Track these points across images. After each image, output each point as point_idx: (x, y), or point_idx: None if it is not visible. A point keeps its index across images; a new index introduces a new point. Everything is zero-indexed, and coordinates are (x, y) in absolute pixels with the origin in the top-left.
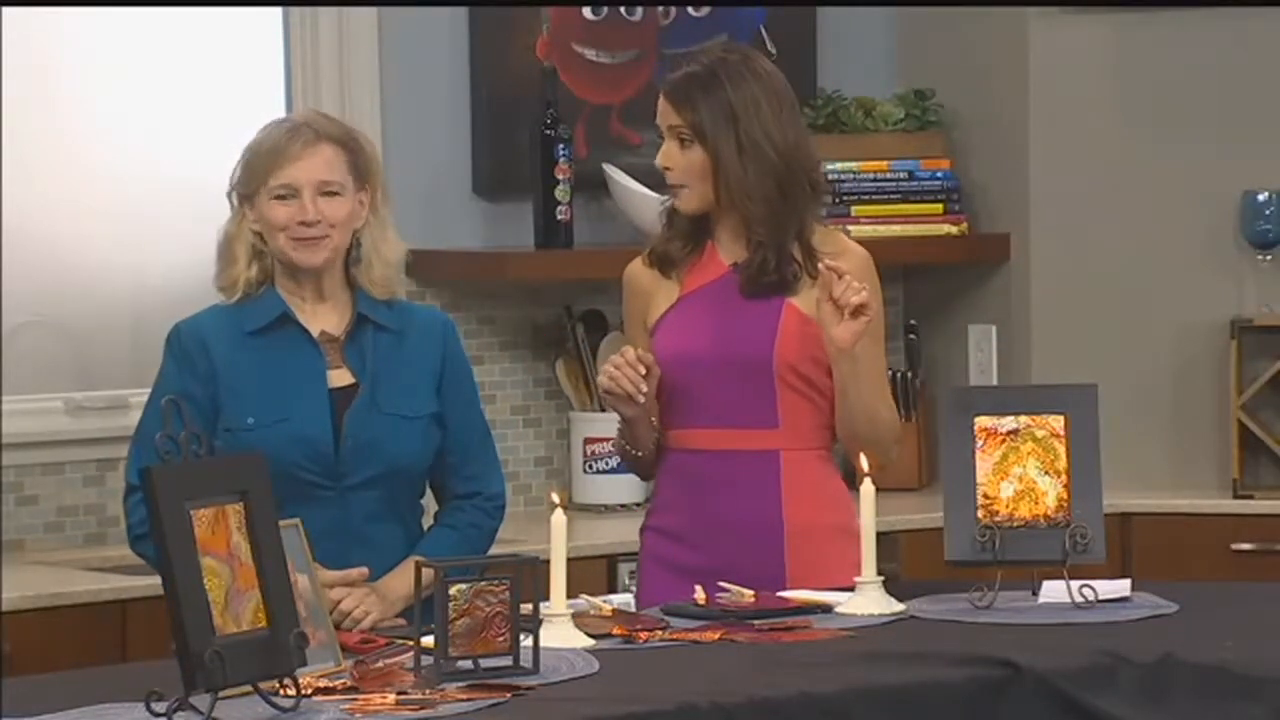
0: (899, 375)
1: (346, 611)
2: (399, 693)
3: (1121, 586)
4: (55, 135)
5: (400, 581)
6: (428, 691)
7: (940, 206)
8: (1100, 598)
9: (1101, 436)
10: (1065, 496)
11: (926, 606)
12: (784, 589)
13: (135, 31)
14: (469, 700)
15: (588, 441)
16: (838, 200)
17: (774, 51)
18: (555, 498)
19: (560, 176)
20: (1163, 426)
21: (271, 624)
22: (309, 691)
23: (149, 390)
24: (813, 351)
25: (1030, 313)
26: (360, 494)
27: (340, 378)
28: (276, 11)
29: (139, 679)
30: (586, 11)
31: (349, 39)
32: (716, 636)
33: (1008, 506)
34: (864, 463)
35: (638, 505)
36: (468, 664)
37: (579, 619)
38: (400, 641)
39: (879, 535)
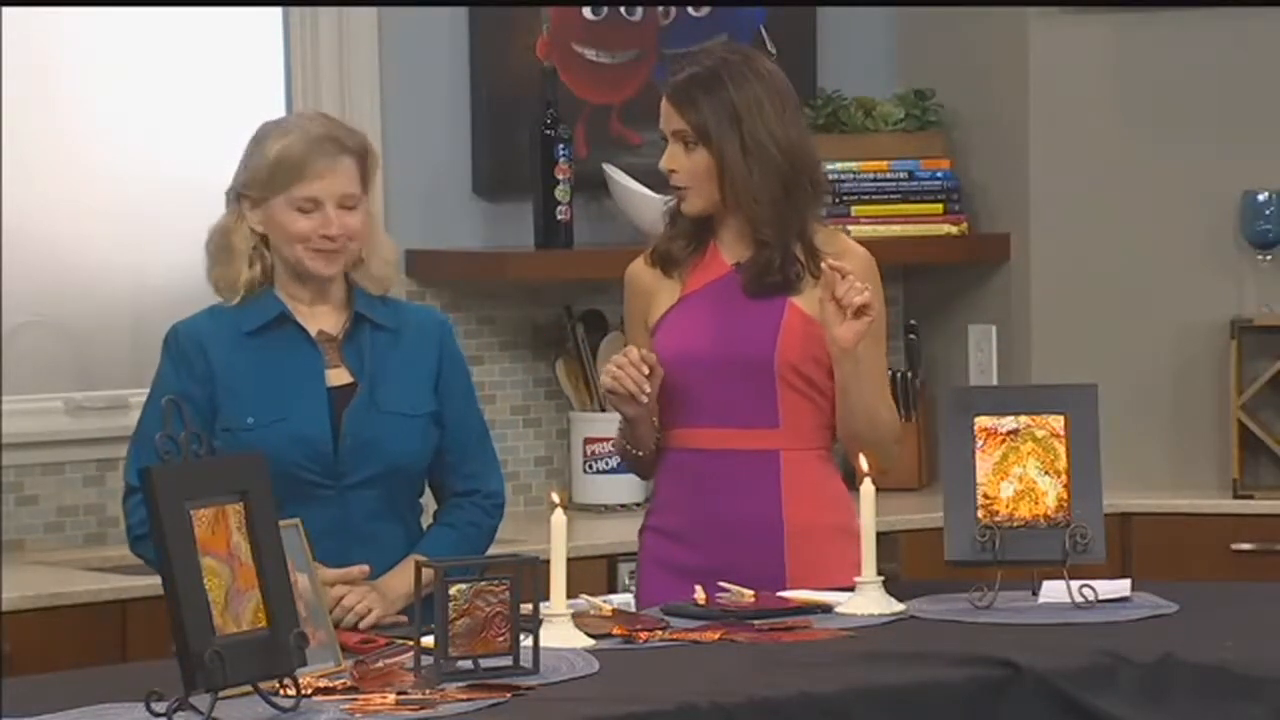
0: (899, 375)
1: (349, 607)
2: (399, 693)
3: (1121, 586)
4: (55, 135)
5: (400, 580)
6: (428, 691)
7: (940, 206)
8: (1100, 598)
9: (1101, 436)
10: (1065, 496)
11: (926, 606)
12: (784, 589)
13: (135, 31)
14: (469, 700)
15: (588, 441)
16: (838, 200)
17: (774, 51)
18: (555, 498)
19: (560, 176)
20: (1163, 426)
21: (271, 624)
22: (309, 691)
23: (148, 390)
24: (814, 351)
25: (1030, 313)
26: (360, 493)
27: (338, 377)
28: (276, 11)
29: (139, 679)
30: (586, 11)
31: (349, 39)
32: (716, 636)
33: (1008, 506)
34: (864, 463)
35: (638, 505)
36: (468, 664)
37: (579, 619)
38: (400, 641)
39: (879, 535)
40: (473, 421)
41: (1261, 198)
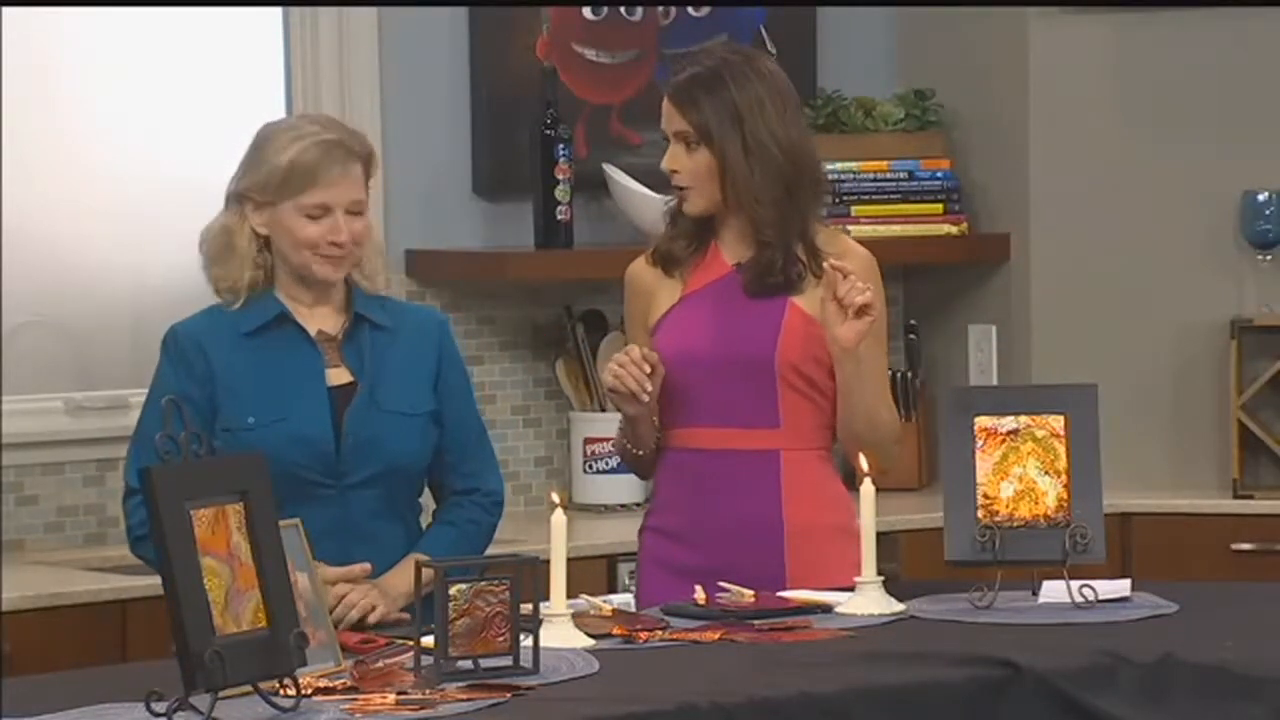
0: (899, 375)
1: (353, 604)
2: (399, 693)
3: (1121, 586)
4: (55, 135)
5: (402, 578)
6: (428, 691)
7: (940, 206)
8: (1100, 598)
9: (1101, 436)
10: (1065, 496)
11: (926, 606)
12: (784, 589)
13: (135, 31)
14: (469, 700)
15: (588, 441)
16: (838, 200)
17: (774, 51)
18: (555, 498)
19: (560, 176)
20: (1163, 426)
21: (271, 624)
22: (309, 691)
23: (148, 391)
24: (815, 352)
25: (1030, 313)
26: (361, 492)
27: (338, 376)
28: (276, 11)
29: (139, 679)
30: (586, 11)
31: (349, 39)
32: (716, 636)
33: (1008, 506)
34: (864, 463)
35: (638, 505)
36: (468, 664)
37: (579, 619)
38: (400, 641)
39: (879, 535)
40: (471, 420)
41: (1261, 198)
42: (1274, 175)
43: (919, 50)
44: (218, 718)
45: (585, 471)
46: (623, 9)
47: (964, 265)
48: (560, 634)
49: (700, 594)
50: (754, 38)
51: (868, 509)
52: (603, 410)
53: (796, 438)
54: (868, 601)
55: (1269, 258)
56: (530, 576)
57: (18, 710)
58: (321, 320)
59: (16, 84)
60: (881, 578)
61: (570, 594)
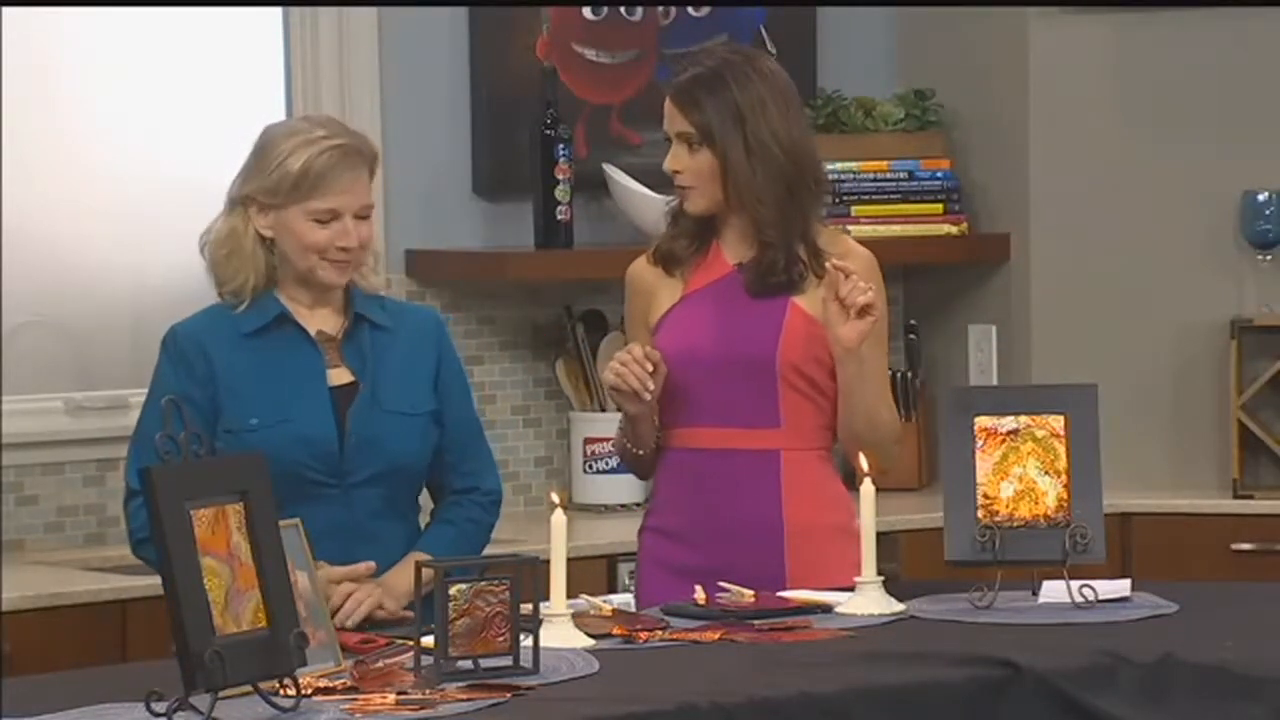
0: (899, 375)
1: (360, 601)
2: (399, 693)
3: (1121, 586)
4: (55, 135)
5: (404, 577)
6: (428, 691)
7: (940, 206)
8: (1100, 598)
9: (1101, 436)
10: (1065, 496)
11: (926, 606)
12: (784, 589)
13: (135, 31)
14: (469, 700)
15: (588, 441)
16: (838, 200)
17: (774, 51)
18: (555, 498)
19: (560, 176)
20: (1163, 426)
21: (271, 624)
22: (309, 691)
23: (147, 392)
24: (816, 352)
25: (1030, 313)
26: (364, 492)
27: (339, 377)
28: (276, 11)
29: (139, 679)
30: (586, 11)
31: (349, 39)
32: (716, 636)
33: (1008, 506)
34: (864, 463)
35: (638, 505)
36: (468, 664)
37: (579, 619)
38: (400, 641)
39: (879, 535)
40: (470, 420)
41: (1261, 198)
42: (1274, 175)
43: (919, 50)
44: (218, 718)
45: (585, 471)
46: (623, 9)
47: (964, 265)
48: (560, 634)
49: (700, 594)
50: (754, 38)
51: (868, 509)
52: (603, 410)
53: (797, 438)
54: (868, 601)
55: (1269, 258)
56: (530, 576)
57: (18, 710)
58: (321, 321)
59: (16, 84)
60: (881, 578)
61: (570, 594)
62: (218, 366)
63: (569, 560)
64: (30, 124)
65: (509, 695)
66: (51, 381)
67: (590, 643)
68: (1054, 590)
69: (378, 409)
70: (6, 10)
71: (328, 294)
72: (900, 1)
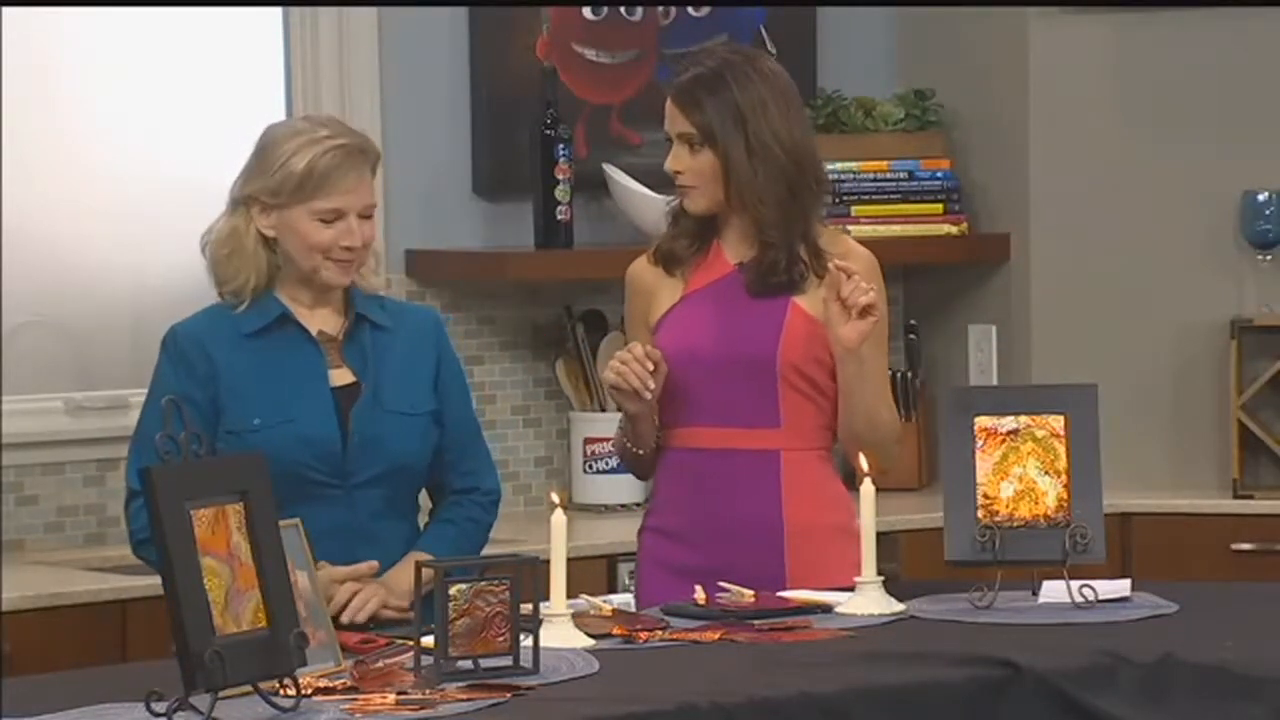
0: (899, 375)
1: (367, 599)
2: (399, 693)
3: (1121, 586)
4: (55, 135)
5: (406, 576)
6: (428, 691)
7: (940, 206)
8: (1100, 598)
9: (1101, 436)
10: (1065, 496)
11: (926, 606)
12: (784, 589)
13: (135, 31)
14: (469, 700)
15: (588, 441)
16: (838, 200)
17: (774, 51)
18: (555, 498)
19: (560, 176)
20: (1163, 426)
21: (271, 624)
22: (309, 691)
23: (147, 392)
24: (817, 352)
25: (1030, 313)
26: (366, 492)
27: (340, 377)
28: (276, 11)
29: (139, 679)
30: (586, 11)
31: (349, 39)
32: (716, 636)
33: (1008, 506)
34: (864, 463)
35: (638, 505)
36: (468, 664)
37: (579, 619)
38: (400, 641)
39: (879, 535)
40: (469, 420)
41: (1261, 198)
42: (1274, 175)
43: (919, 50)
44: (218, 718)
45: (585, 471)
46: (623, 9)
47: (964, 265)
48: (560, 634)
49: (700, 594)
50: (754, 38)
51: (868, 509)
52: (603, 410)
53: (797, 438)
54: (868, 601)
55: (1269, 258)
56: (530, 576)
57: (18, 710)
58: (322, 321)
59: (16, 84)
60: (881, 578)
61: (570, 594)
62: (219, 366)
63: (569, 560)
64: (30, 124)
65: (509, 695)
66: (51, 381)
67: (590, 643)
68: (1054, 590)
69: (379, 409)
70: (6, 10)
71: (328, 294)
72: (900, 1)
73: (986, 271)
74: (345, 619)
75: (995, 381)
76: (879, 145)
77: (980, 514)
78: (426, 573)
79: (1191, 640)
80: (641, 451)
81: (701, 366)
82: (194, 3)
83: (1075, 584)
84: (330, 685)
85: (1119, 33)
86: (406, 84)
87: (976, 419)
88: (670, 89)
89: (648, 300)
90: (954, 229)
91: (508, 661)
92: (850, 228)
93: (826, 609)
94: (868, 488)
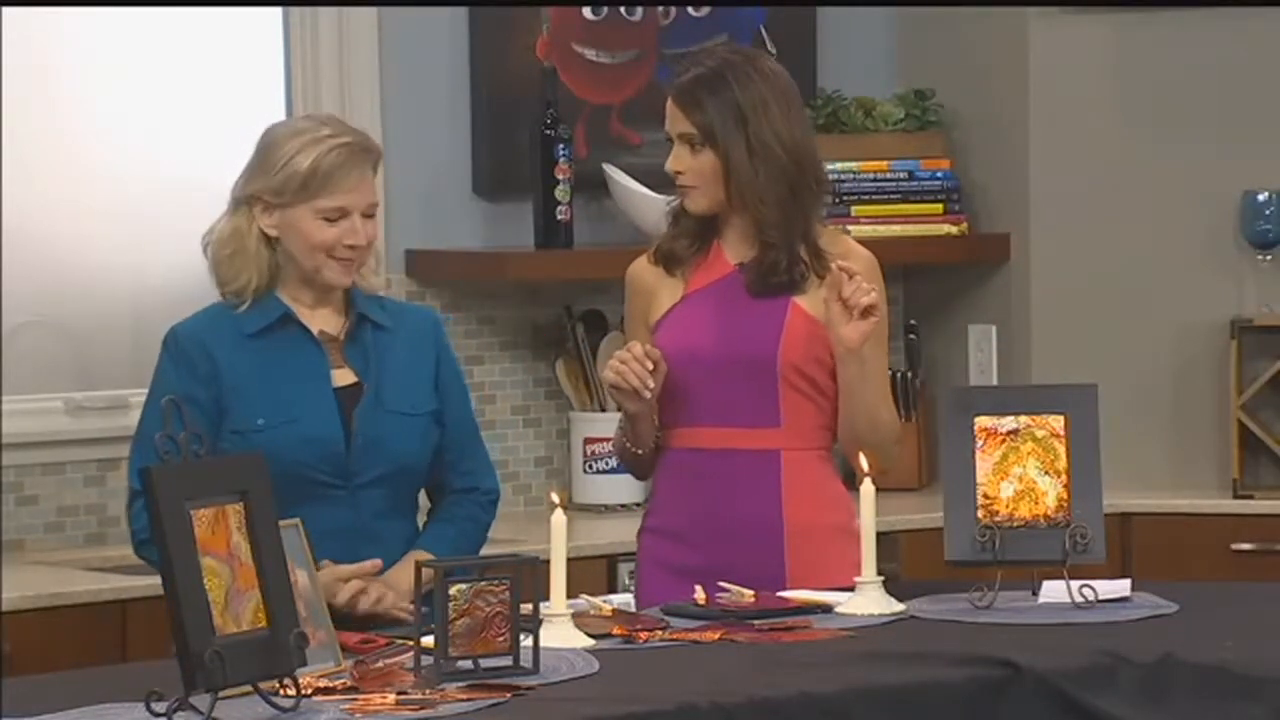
0: (899, 375)
1: (373, 596)
2: (399, 693)
3: (1121, 586)
4: (55, 135)
5: (407, 574)
6: (428, 691)
7: (940, 206)
8: (1100, 598)
9: (1101, 436)
10: (1065, 496)
11: (926, 606)
12: (784, 589)
13: (135, 31)
14: (469, 700)
15: (588, 441)
16: (838, 200)
17: (774, 51)
18: (555, 498)
19: (560, 176)
20: (1163, 426)
21: (271, 624)
22: (309, 691)
23: (148, 392)
24: (817, 352)
25: (1030, 313)
26: (370, 492)
27: (342, 377)
28: (276, 11)
29: (139, 679)
30: (586, 11)
31: (349, 39)
32: (716, 636)
33: (1008, 506)
34: (864, 463)
35: (637, 505)
36: (468, 664)
37: (579, 619)
38: (400, 641)
39: (879, 535)
40: (468, 419)
41: (1261, 198)
42: (1274, 175)
43: (919, 50)
44: (218, 718)
45: (585, 471)
46: (623, 9)
47: (964, 265)
48: (560, 634)
49: (700, 594)
50: (754, 38)
51: (868, 509)
52: (603, 410)
53: (797, 438)
54: (868, 601)
55: (1269, 258)
56: (530, 576)
57: (18, 710)
58: (323, 321)
59: (16, 84)
60: (881, 578)
61: (570, 594)
62: (221, 366)
63: (569, 560)
64: (30, 124)
65: (509, 695)
66: (51, 381)
67: (590, 643)
68: (1054, 590)
69: (381, 410)
70: (6, 10)
71: (329, 294)
72: (900, 1)
73: (986, 271)
74: (361, 608)
75: (995, 381)
76: (879, 145)
77: (980, 514)
78: (426, 573)
79: (1191, 640)
80: (640, 451)
81: (702, 366)
82: (194, 3)
83: (1075, 584)
84: (330, 685)
85: (1119, 33)
86: (406, 84)
87: (976, 419)
88: (671, 89)
89: (648, 300)
90: (954, 229)
91: (508, 661)
92: (850, 228)
93: (826, 609)
94: (868, 488)
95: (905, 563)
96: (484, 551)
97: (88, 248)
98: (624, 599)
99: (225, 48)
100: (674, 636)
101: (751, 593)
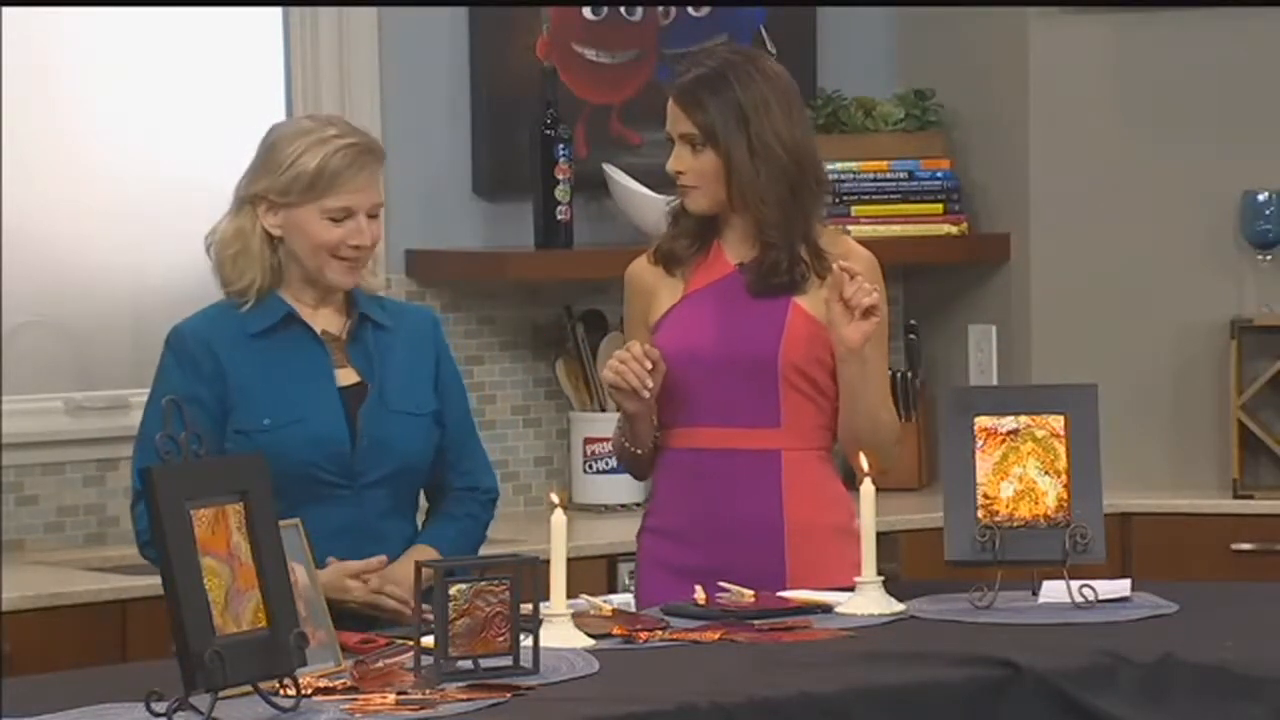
0: (899, 375)
1: (383, 593)
2: (399, 693)
3: (1121, 586)
4: (55, 135)
5: (408, 570)
6: (428, 691)
7: (940, 206)
8: (1100, 598)
9: (1101, 436)
10: (1065, 496)
11: (926, 606)
12: (784, 589)
13: (135, 31)
14: (469, 700)
15: (588, 441)
16: (838, 200)
17: (774, 51)
18: (555, 498)
19: (560, 176)
20: (1163, 426)
21: (271, 624)
22: (309, 691)
23: (149, 390)
24: (817, 352)
25: (1030, 313)
26: (374, 492)
27: (345, 377)
28: (276, 11)
29: (139, 679)
30: (586, 11)
31: (349, 39)
32: (716, 636)
33: (1008, 506)
34: (864, 463)
35: (637, 505)
36: (468, 664)
37: (579, 619)
38: (400, 641)
39: (879, 535)
40: (466, 418)
41: (1261, 198)
42: (1274, 175)
43: (919, 50)
44: (218, 718)
45: (585, 471)
46: (623, 9)
47: (964, 265)
48: (560, 634)
49: (700, 594)
50: (754, 38)
51: (868, 509)
52: (603, 410)
53: (797, 438)
54: (868, 601)
55: (1269, 258)
56: (530, 576)
57: (18, 710)
58: (325, 321)
59: (16, 84)
60: (881, 578)
61: (570, 594)
62: (225, 366)
63: (569, 560)
64: (30, 124)
65: (509, 695)
66: (51, 381)
67: (590, 643)
68: (1054, 590)
69: (385, 410)
70: (6, 10)
71: (332, 294)
72: (900, 1)
73: (986, 271)
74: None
75: (995, 381)
76: (879, 145)
77: (980, 514)
78: (426, 572)
79: (1191, 640)
80: (639, 451)
81: (702, 366)
82: (194, 3)
83: (1075, 584)
84: (330, 685)
85: (1119, 33)
86: (406, 84)
87: (976, 419)
88: (672, 89)
89: (647, 300)
90: (954, 229)
91: (508, 661)
92: (850, 228)
93: (826, 609)
94: (868, 488)
95: (905, 563)
96: (484, 551)
97: (88, 248)
98: (624, 599)
99: (225, 48)
100: (674, 636)
101: (751, 593)
